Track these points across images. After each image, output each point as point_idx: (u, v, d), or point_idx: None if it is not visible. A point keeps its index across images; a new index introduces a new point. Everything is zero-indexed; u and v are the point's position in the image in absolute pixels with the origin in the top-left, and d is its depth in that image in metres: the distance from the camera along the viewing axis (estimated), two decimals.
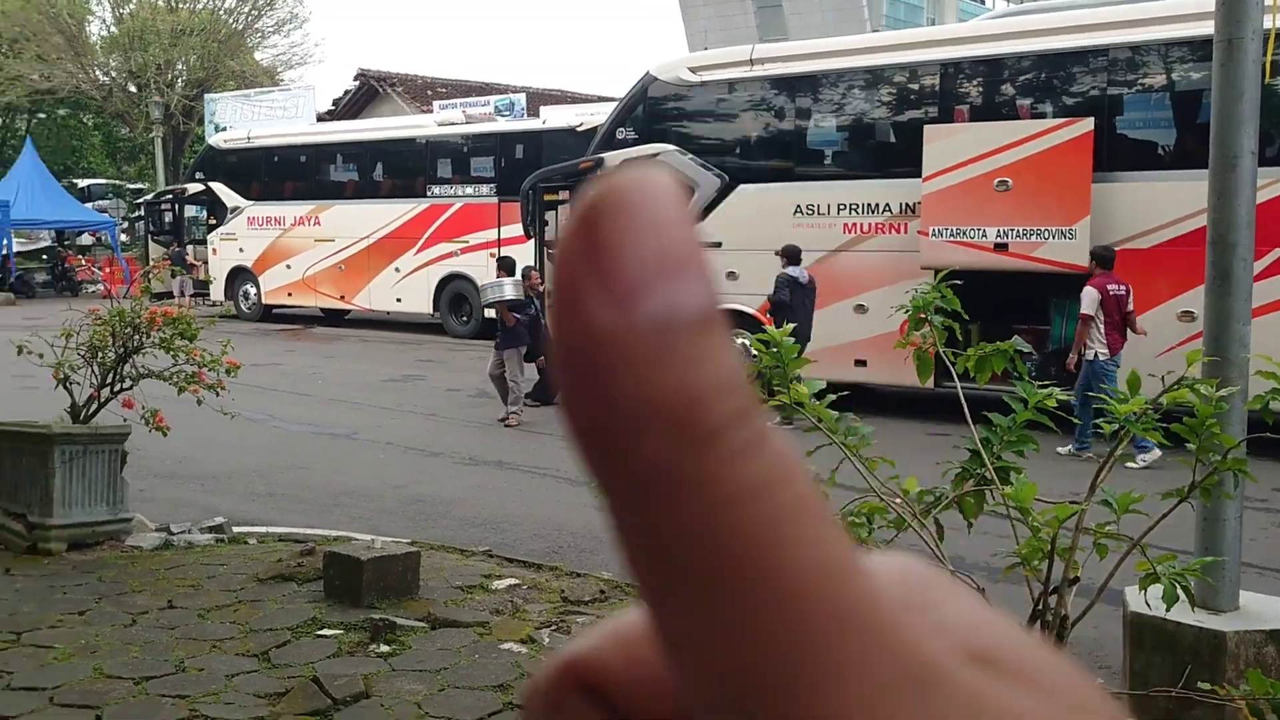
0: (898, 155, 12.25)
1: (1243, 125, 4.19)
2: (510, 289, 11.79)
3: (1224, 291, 4.25)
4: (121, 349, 6.50)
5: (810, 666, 0.21)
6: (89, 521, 6.26)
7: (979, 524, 3.58)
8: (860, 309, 12.01)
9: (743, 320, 12.98)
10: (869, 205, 12.02)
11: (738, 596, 0.21)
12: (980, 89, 11.86)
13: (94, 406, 6.56)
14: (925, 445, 10.38)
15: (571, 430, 0.24)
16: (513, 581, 5.77)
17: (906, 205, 11.68)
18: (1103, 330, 9.72)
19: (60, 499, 6.11)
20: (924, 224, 11.35)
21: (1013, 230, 11.04)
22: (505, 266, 12.56)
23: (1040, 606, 3.11)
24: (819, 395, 3.32)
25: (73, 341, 6.51)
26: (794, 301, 11.38)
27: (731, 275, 12.96)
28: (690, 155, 13.19)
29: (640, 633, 0.25)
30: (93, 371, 6.58)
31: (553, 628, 4.96)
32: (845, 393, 3.56)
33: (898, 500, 3.35)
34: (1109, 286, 9.73)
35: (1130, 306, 9.86)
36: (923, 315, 3.56)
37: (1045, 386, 3.39)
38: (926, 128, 11.45)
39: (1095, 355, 9.71)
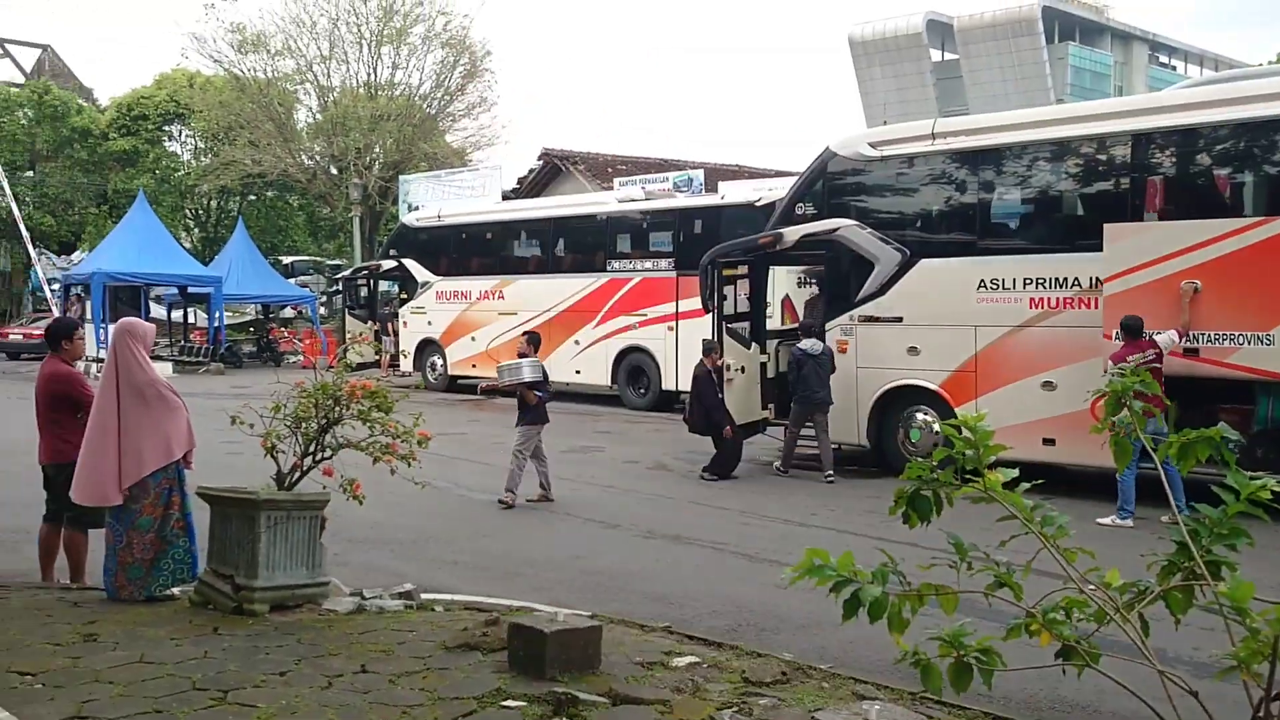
0: (1086, 228, 11.87)
1: None
2: (528, 371, 11.70)
3: None
4: (324, 420, 6.84)
5: None
6: (290, 584, 6.54)
7: (1185, 617, 3.40)
8: (1048, 385, 11.62)
9: (924, 396, 12.74)
10: (1056, 280, 11.67)
11: None
12: (1174, 160, 11.43)
13: (297, 474, 6.89)
14: (1122, 532, 9.92)
15: None
16: (693, 659, 5.74)
17: (1096, 280, 11.30)
18: None
19: (265, 562, 6.41)
20: (1107, 327, 10.92)
21: (1204, 335, 10.56)
22: (533, 342, 12.53)
23: (1261, 714, 2.91)
24: (1012, 483, 3.24)
25: (280, 413, 6.87)
26: (805, 372, 12.94)
27: (913, 350, 12.76)
28: (870, 229, 13.11)
29: None
30: (297, 441, 6.93)
31: (734, 709, 4.90)
32: (1040, 481, 3.46)
33: (1099, 593, 3.22)
34: (1130, 357, 9.45)
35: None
36: (1121, 400, 3.44)
37: (1256, 475, 3.22)
38: (1107, 227, 11.05)
39: None
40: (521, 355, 12.12)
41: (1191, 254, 10.58)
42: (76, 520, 7.51)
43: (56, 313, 30.85)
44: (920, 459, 3.34)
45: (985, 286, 12.15)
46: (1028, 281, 11.86)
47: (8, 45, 55.79)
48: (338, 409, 6.82)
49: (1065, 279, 11.58)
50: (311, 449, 6.89)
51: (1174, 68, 76.10)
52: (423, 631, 6.17)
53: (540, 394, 11.71)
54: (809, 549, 3.09)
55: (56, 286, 34.49)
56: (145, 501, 6.81)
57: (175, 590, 6.97)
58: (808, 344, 13.11)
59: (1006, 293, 12.00)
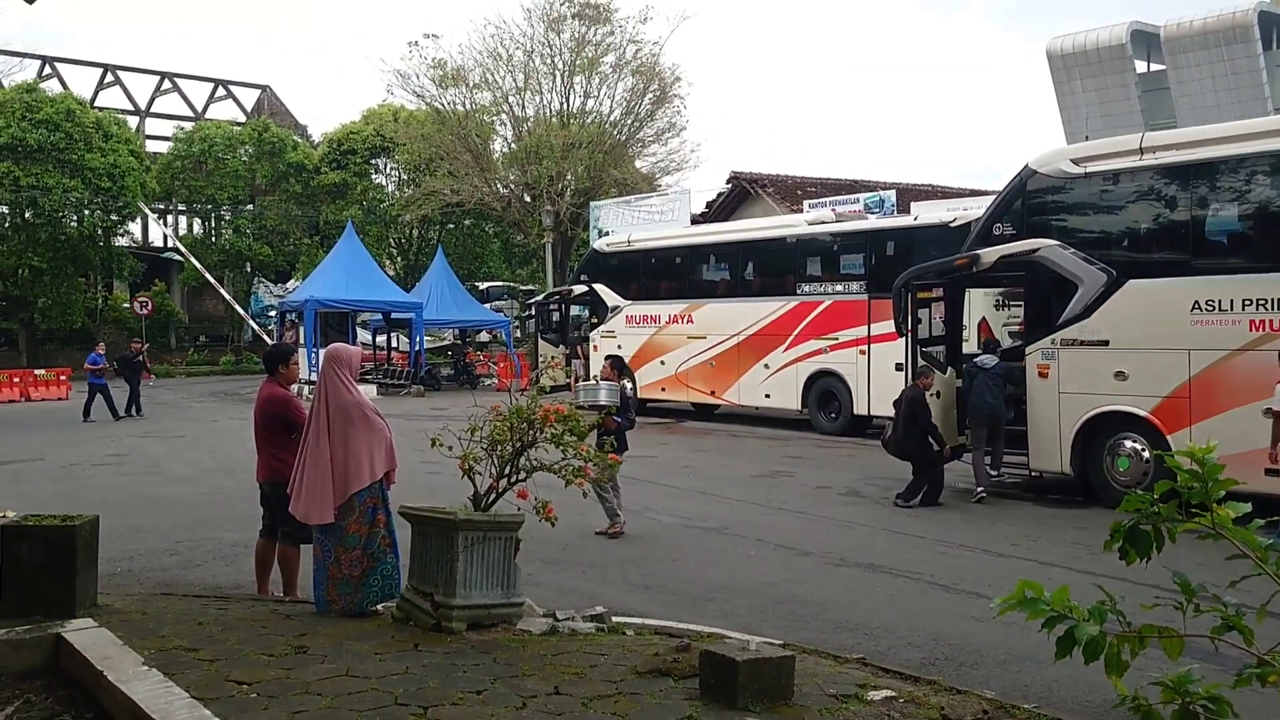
0: None
1: None
2: (605, 395, 11.00)
3: None
4: (519, 443, 6.97)
5: None
6: (486, 604, 6.68)
7: None
8: (1270, 413, 10.85)
9: (1131, 422, 12.10)
10: (1278, 301, 10.92)
11: None
12: None
13: (493, 496, 7.04)
14: None
15: None
16: (889, 693, 5.56)
17: None
18: None
19: (462, 581, 6.56)
20: None
21: None
22: (618, 367, 12.15)
23: None
24: (1244, 520, 3.00)
25: (476, 435, 7.04)
26: (977, 384, 13.01)
27: (1120, 375, 12.15)
28: (1072, 250, 12.57)
29: None
30: (492, 463, 7.08)
31: None
32: (1276, 519, 3.20)
33: None
34: None
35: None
36: None
37: None
38: None
39: None
40: (604, 378, 11.80)
41: None
42: (290, 536, 7.89)
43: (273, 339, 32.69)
44: (1137, 490, 3.14)
45: (1200, 308, 11.47)
46: (1247, 302, 11.13)
47: (231, 86, 59.79)
48: (532, 432, 6.93)
49: None
50: (507, 471, 7.02)
51: None
52: (614, 655, 6.18)
53: (619, 419, 11.00)
54: (1021, 580, 2.94)
55: (274, 313, 36.60)
56: (351, 519, 7.08)
57: (380, 606, 7.22)
58: (982, 358, 13.34)
59: (1224, 314, 11.30)
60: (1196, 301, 11.51)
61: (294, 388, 8.32)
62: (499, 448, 7.02)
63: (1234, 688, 2.98)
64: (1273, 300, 10.98)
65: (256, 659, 5.88)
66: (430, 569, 6.77)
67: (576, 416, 7.01)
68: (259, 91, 60.67)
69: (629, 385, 11.58)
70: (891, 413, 17.04)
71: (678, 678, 5.65)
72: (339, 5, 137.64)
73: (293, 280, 47.31)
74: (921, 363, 13.61)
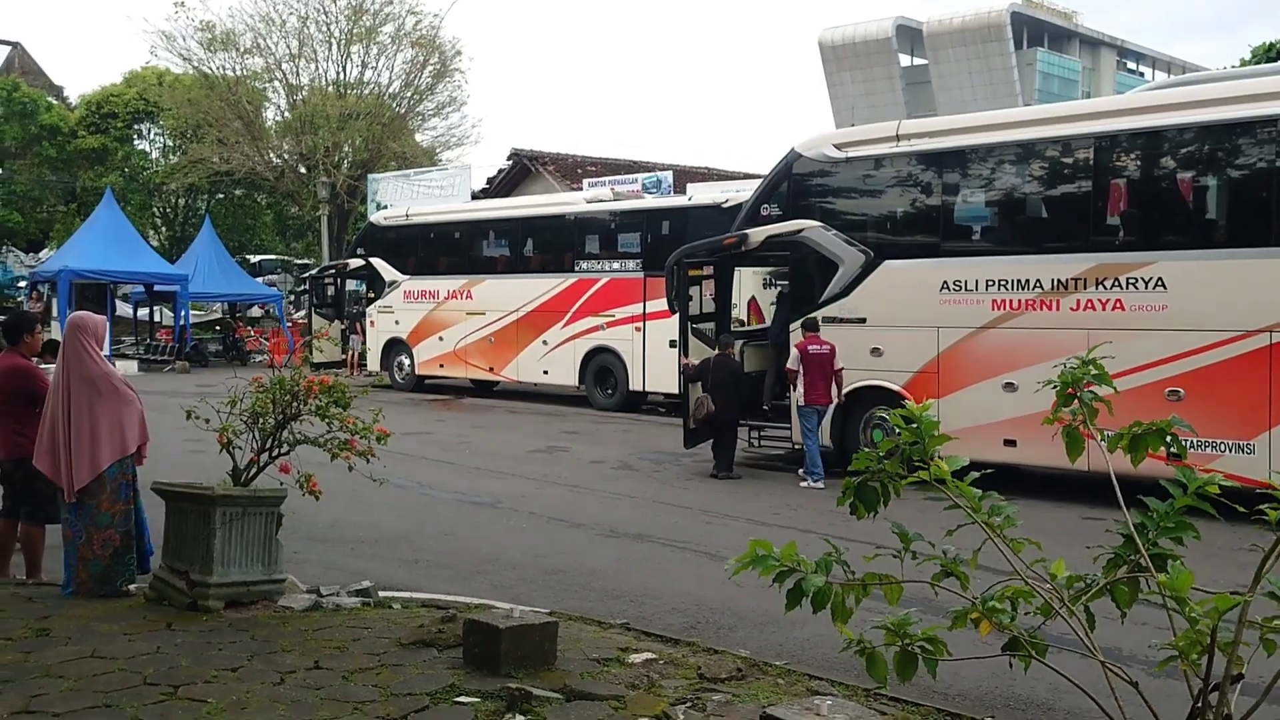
0: (1050, 230, 11.98)
1: None
2: None
3: None
4: (280, 415, 6.78)
5: None
6: (245, 581, 6.48)
7: (1139, 614, 3.41)
8: (1009, 387, 11.69)
9: (886, 397, 12.79)
10: (1019, 281, 11.75)
11: None
12: (1138, 163, 11.53)
13: (254, 470, 6.82)
14: (1079, 530, 9.99)
15: None
16: (649, 656, 5.73)
17: (1058, 282, 11.39)
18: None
19: (220, 558, 6.34)
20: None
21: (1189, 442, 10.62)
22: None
23: (1200, 704, 2.93)
24: (960, 473, 3.24)
25: (237, 408, 6.81)
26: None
27: (876, 352, 12.81)
28: (834, 231, 13.15)
29: None
30: (254, 437, 6.86)
31: (688, 704, 4.90)
32: (990, 470, 3.47)
33: (1045, 585, 3.22)
34: (809, 347, 12.76)
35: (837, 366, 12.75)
36: (1071, 390, 3.45)
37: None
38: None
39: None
40: None
41: (1173, 363, 10.76)
42: (33, 515, 7.43)
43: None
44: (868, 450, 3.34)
45: (948, 288, 12.21)
46: (990, 283, 11.93)
47: None
48: (295, 404, 6.76)
49: (1028, 280, 11.66)
50: (268, 445, 6.83)
51: (1142, 74, 76.86)
52: (379, 628, 6.13)
53: None
54: (752, 540, 3.09)
55: (24, 284, 34.09)
56: (102, 496, 6.73)
57: (132, 587, 6.90)
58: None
59: (969, 294, 12.07)
60: (945, 281, 12.25)
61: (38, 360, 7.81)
62: (260, 420, 6.82)
63: (950, 629, 3.22)
64: (1012, 281, 11.80)
65: None
66: (186, 546, 6.52)
67: (341, 387, 6.87)
68: (9, 49, 56.17)
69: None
70: (669, 389, 17.46)
71: (442, 648, 5.66)
72: None
73: (46, 250, 44.17)
74: (723, 335, 13.98)
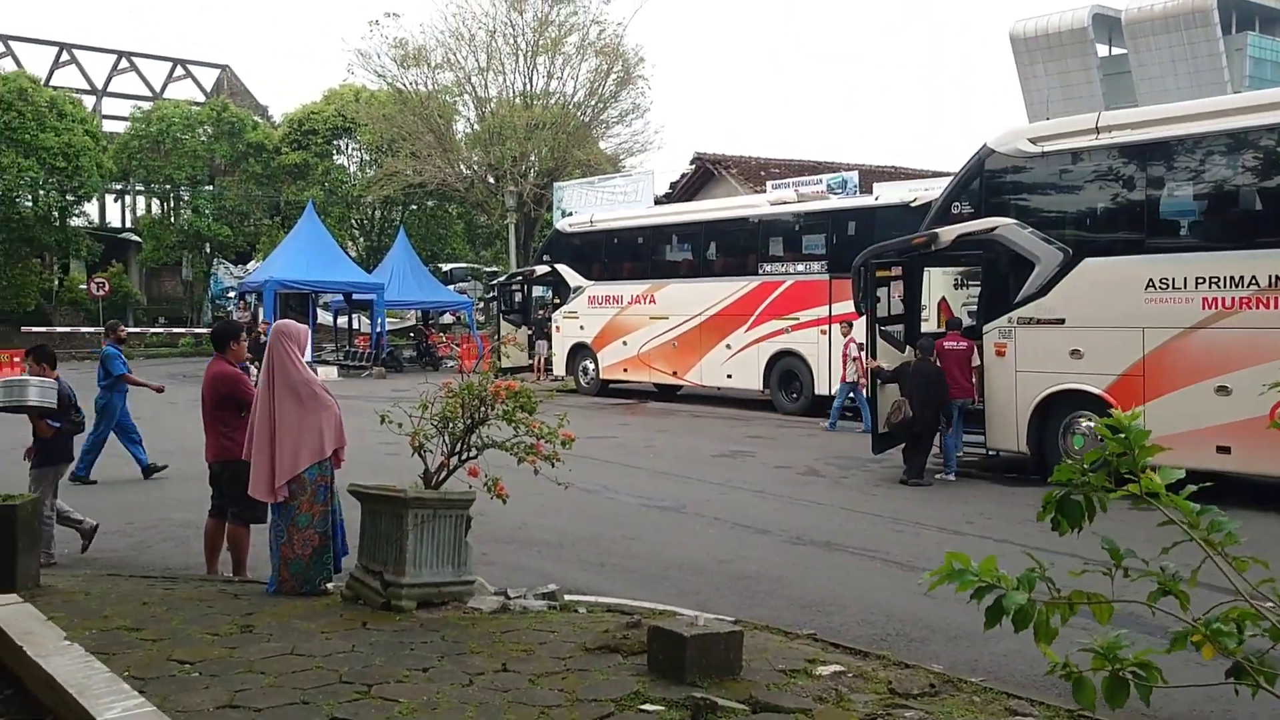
0: (1266, 224, 11.18)
1: None
2: (35, 393, 8.72)
3: None
4: (469, 420, 6.91)
5: None
6: (436, 582, 6.63)
7: None
8: (1222, 390, 10.97)
9: (1087, 400, 12.19)
10: (1233, 279, 11.01)
11: None
12: None
13: (444, 473, 6.98)
14: None
15: None
16: (837, 668, 5.57)
17: (1276, 278, 10.62)
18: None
19: (412, 559, 6.51)
20: None
21: None
22: (45, 359, 9.36)
23: None
24: (1176, 486, 2.99)
25: (428, 413, 6.98)
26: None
27: (1075, 353, 12.23)
28: (1030, 228, 12.62)
29: None
30: (444, 440, 7.02)
31: None
32: (1208, 484, 3.20)
33: (1267, 604, 2.95)
34: (946, 344, 13.36)
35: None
36: None
37: None
38: None
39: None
40: (33, 373, 9.31)
41: None
42: (240, 515, 7.82)
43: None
44: (1071, 462, 3.13)
45: (1154, 286, 11.55)
46: (1201, 281, 11.23)
47: (189, 66, 58.97)
48: (483, 409, 6.87)
49: (1243, 278, 10.93)
50: (458, 448, 6.97)
51: None
52: (564, 632, 6.16)
53: (56, 424, 8.85)
54: (949, 553, 2.92)
55: (233, 294, 36.15)
56: (303, 498, 7.01)
57: (330, 585, 7.16)
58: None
59: (1177, 293, 11.40)
60: (1150, 279, 11.59)
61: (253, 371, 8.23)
62: (450, 425, 6.96)
63: (1167, 653, 2.98)
64: (1225, 278, 11.08)
65: (200, 638, 5.82)
66: (380, 547, 6.72)
67: (528, 393, 6.95)
68: (218, 71, 59.86)
69: (64, 381, 9.22)
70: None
71: (626, 654, 5.64)
72: None
73: (253, 261, 46.81)
74: (923, 339, 13.64)
